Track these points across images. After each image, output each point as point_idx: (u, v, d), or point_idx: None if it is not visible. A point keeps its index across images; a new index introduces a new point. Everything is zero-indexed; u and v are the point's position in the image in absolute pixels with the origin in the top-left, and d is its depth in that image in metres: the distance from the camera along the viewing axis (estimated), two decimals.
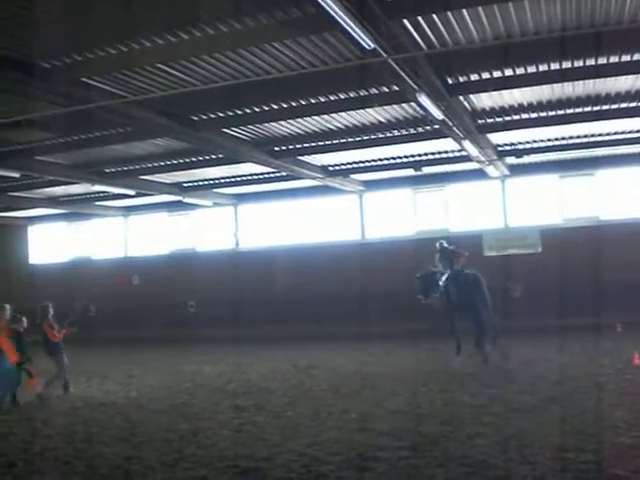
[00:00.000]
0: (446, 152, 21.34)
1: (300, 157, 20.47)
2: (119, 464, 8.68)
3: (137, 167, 20.98)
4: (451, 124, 15.40)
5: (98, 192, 25.66)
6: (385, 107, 15.52)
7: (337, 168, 23.01)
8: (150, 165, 20.77)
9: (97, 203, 28.45)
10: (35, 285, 30.47)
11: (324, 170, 22.70)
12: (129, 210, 30.64)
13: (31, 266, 33.38)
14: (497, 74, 13.41)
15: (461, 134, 16.45)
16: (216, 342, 23.39)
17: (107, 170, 21.28)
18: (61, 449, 9.64)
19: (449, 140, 17.87)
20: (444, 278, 16.36)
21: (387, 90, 14.06)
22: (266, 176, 23.98)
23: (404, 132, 17.93)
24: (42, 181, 22.46)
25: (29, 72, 11.04)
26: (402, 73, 11.30)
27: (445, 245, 17.02)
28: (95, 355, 17.87)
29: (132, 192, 24.21)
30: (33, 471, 8.66)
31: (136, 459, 8.89)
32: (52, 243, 33.45)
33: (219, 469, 8.22)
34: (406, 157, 21.92)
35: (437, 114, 14.15)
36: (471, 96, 15.16)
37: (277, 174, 23.19)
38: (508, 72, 13.33)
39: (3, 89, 11.73)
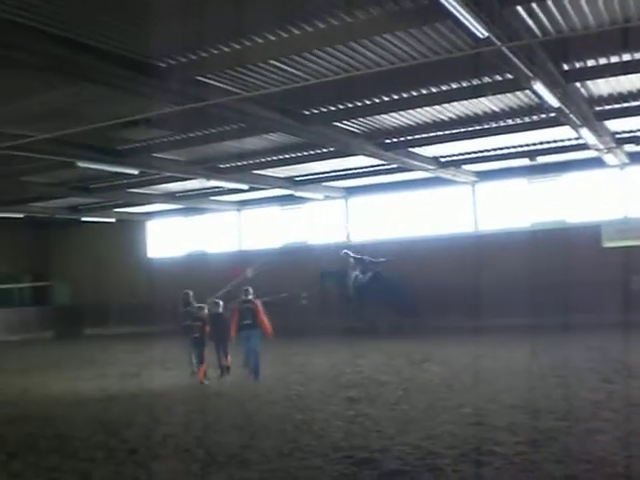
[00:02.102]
0: (562, 140, 20.75)
1: (411, 149, 20.34)
2: (236, 452, 8.89)
3: (250, 162, 21.35)
4: (567, 111, 14.95)
5: (213, 187, 26.29)
6: (499, 96, 15.21)
7: (449, 159, 22.75)
8: (263, 160, 21.09)
9: (212, 198, 29.16)
10: (153, 278, 31.59)
11: (436, 161, 22.49)
12: (242, 204, 31.24)
13: (149, 260, 34.52)
14: (615, 59, 12.93)
15: (578, 121, 15.96)
16: (328, 333, 23.55)
17: (221, 165, 21.76)
18: (181, 437, 9.96)
19: (565, 128, 17.38)
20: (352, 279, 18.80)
21: (501, 78, 13.78)
22: (377, 168, 23.95)
23: (518, 121, 17.53)
24: (159, 177, 23.17)
25: (146, 72, 11.40)
26: (516, 61, 11.04)
27: (349, 253, 19.84)
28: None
29: (245, 187, 24.66)
30: (154, 457, 8.97)
31: (252, 448, 9.09)
32: (169, 237, 34.50)
33: (334, 459, 8.28)
34: (520, 146, 21.45)
35: (553, 102, 13.77)
36: (588, 82, 14.68)
37: (388, 166, 23.12)
38: (626, 57, 12.84)
39: (122, 89, 12.14)
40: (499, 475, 7.39)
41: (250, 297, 15.49)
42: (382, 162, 21.86)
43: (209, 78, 12.40)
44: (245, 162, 21.34)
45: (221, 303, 16.21)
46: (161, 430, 10.47)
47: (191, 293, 16.92)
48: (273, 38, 10.79)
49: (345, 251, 20.66)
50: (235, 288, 18.02)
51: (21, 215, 30.31)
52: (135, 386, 15.18)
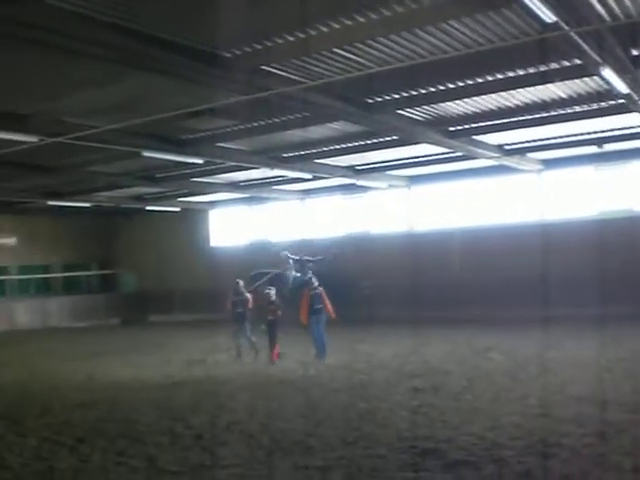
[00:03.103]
0: (630, 128, 20.23)
1: (475, 136, 20.07)
2: (300, 439, 8.94)
3: (313, 151, 21.37)
4: (636, 98, 14.58)
5: (276, 176, 26.40)
6: (566, 82, 14.88)
7: (514, 147, 22.38)
8: (326, 149, 21.09)
9: (275, 187, 29.29)
10: (216, 267, 31.90)
11: (500, 149, 22.17)
12: (305, 193, 31.31)
13: (212, 248, 34.89)
14: None
15: None
16: (391, 323, 23.50)
17: (285, 155, 21.82)
18: (245, 423, 10.05)
19: (634, 115, 16.94)
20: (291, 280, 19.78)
21: (568, 64, 13.48)
22: (441, 157, 23.71)
23: (586, 108, 17.14)
24: (223, 167, 23.35)
25: (212, 62, 11.48)
26: (585, 46, 10.80)
27: (288, 254, 20.93)
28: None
29: (308, 176, 24.70)
30: (220, 443, 9.08)
31: (316, 435, 9.13)
32: (231, 226, 34.81)
33: (398, 449, 8.26)
34: (588, 134, 20.97)
35: (621, 88, 13.44)
36: None
37: (452, 154, 22.90)
38: None
39: (188, 79, 12.25)
40: (565, 467, 7.27)
41: (316, 284, 16.80)
42: (446, 150, 21.64)
43: (274, 67, 12.42)
44: (308, 151, 21.36)
45: (273, 291, 17.17)
46: (226, 416, 10.61)
47: (241, 283, 17.91)
48: (337, 26, 10.74)
49: (284, 252, 22.49)
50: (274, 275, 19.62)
51: (89, 204, 30.93)
52: (200, 373, 15.40)
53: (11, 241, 33.41)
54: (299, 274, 20.24)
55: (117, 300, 35.38)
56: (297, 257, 21.73)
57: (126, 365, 17.19)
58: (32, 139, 15.86)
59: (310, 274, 18.42)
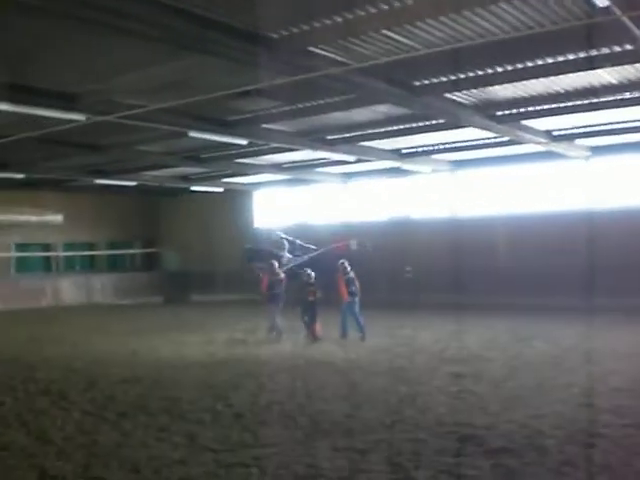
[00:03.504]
0: None
1: (522, 121, 19.80)
2: (339, 421, 8.98)
3: (357, 134, 21.30)
4: None
5: (320, 159, 26.39)
6: (617, 68, 14.60)
7: (562, 133, 22.05)
8: (370, 131, 21.00)
9: (318, 169, 29.28)
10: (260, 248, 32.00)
11: (548, 135, 21.83)
12: (348, 176, 31.24)
13: (255, 229, 35.02)
14: None
15: None
16: (433, 308, 23.42)
17: (329, 137, 21.79)
18: (285, 403, 10.12)
19: None
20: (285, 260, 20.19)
21: (619, 50, 13.21)
22: (487, 141, 23.47)
23: (637, 94, 16.81)
24: (267, 148, 23.40)
25: (259, 43, 11.46)
26: (637, 31, 10.57)
27: (282, 235, 21.71)
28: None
29: (352, 158, 24.63)
30: (260, 422, 9.15)
31: (356, 417, 9.17)
32: (274, 208, 34.90)
33: (438, 434, 8.26)
34: (638, 121, 20.58)
35: None
36: None
37: (498, 139, 22.65)
38: None
39: (234, 60, 12.26)
40: (606, 457, 7.21)
41: (349, 269, 17.44)
42: (492, 135, 21.40)
43: (320, 49, 12.36)
44: (352, 134, 21.28)
45: (313, 274, 17.53)
46: (266, 396, 10.71)
47: (276, 264, 18.19)
48: (386, 7, 10.63)
49: (278, 233, 23.41)
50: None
51: (134, 183, 31.28)
52: (240, 352, 15.52)
53: (58, 218, 33.91)
54: (291, 255, 21.45)
55: (160, 278, 35.74)
56: (291, 239, 22.51)
57: (168, 343, 17.40)
58: (81, 118, 16.04)
59: (301, 258, 20.60)
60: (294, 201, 34.17)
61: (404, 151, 25.07)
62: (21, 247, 34.24)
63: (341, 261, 17.72)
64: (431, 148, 24.81)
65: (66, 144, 21.89)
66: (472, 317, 20.71)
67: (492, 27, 11.73)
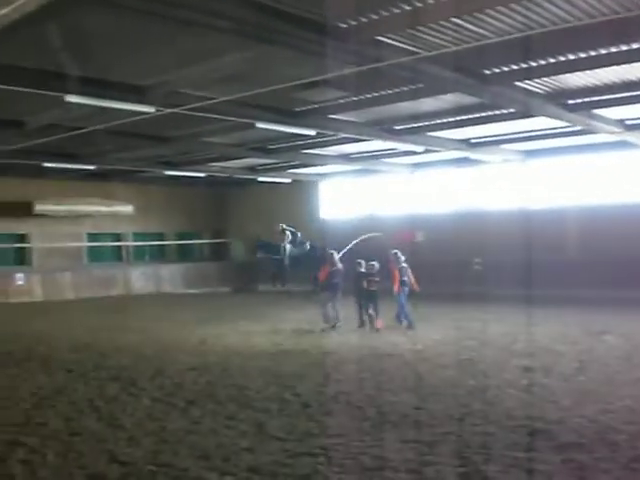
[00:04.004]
0: None
1: (595, 110, 19.33)
2: (407, 413, 8.91)
3: (426, 123, 21.10)
4: None
5: (387, 149, 26.25)
6: None
7: (636, 122, 21.45)
8: (438, 121, 20.78)
9: (385, 160, 29.14)
10: (325, 238, 32.01)
11: (621, 124, 21.27)
12: (416, 167, 31.00)
13: (322, 220, 35.07)
14: None
15: None
16: (501, 301, 23.08)
17: (396, 127, 21.65)
18: (352, 394, 10.09)
19: None
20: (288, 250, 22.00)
21: None
22: (558, 131, 22.98)
23: None
24: (334, 139, 23.38)
25: (327, 33, 11.42)
26: None
27: (285, 227, 22.59)
28: (380, 307, 18.43)
29: (420, 148, 24.43)
30: (327, 412, 9.15)
31: (423, 409, 9.09)
32: (341, 199, 34.88)
33: (507, 427, 8.13)
34: None
35: None
36: None
37: (570, 128, 22.16)
38: None
39: (302, 50, 12.24)
40: None
41: (403, 259, 17.74)
42: (563, 124, 20.95)
43: (388, 38, 12.25)
44: (420, 123, 21.10)
45: (376, 264, 17.56)
46: (333, 386, 10.69)
47: (335, 254, 18.16)
48: None
49: (281, 225, 24.21)
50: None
51: (203, 174, 31.64)
52: (307, 342, 15.55)
53: (128, 209, 34.56)
54: (292, 246, 22.75)
55: (228, 268, 36.13)
56: (293, 230, 23.47)
57: (236, 332, 17.56)
58: (150, 110, 16.27)
59: (304, 248, 22.45)
60: (361, 192, 34.07)
61: (473, 141, 24.74)
62: (93, 237, 35.01)
63: (394, 251, 17.87)
64: (501, 138, 24.41)
65: (136, 136, 22.28)
66: (542, 310, 20.32)
67: (564, 14, 11.44)
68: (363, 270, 17.57)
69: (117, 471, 6.99)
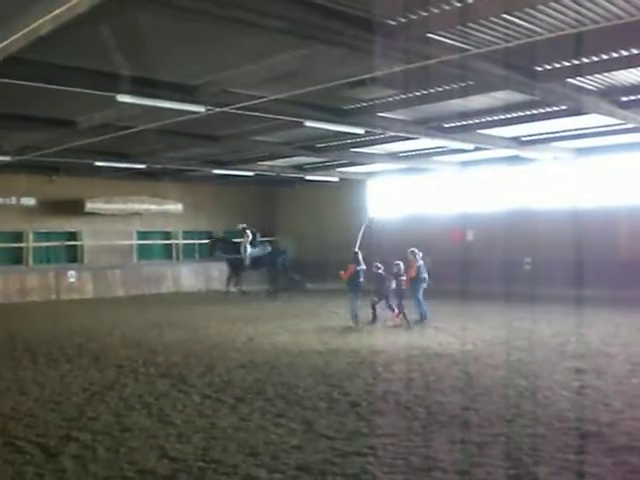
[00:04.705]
0: None
1: None
2: (457, 414, 8.86)
3: (475, 121, 20.88)
4: None
5: (436, 147, 26.05)
6: None
7: None
8: (488, 119, 20.55)
9: (434, 158, 28.94)
10: (373, 237, 31.92)
11: None
12: (465, 165, 30.72)
13: (369, 219, 34.90)
14: None
15: None
16: (552, 301, 22.76)
17: (446, 125, 21.47)
18: (401, 394, 10.05)
19: None
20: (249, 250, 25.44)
21: None
22: (611, 128, 22.56)
23: None
24: (383, 137, 23.29)
25: (376, 30, 11.37)
26: None
27: (245, 226, 26.09)
28: (430, 306, 18.34)
29: (470, 147, 24.21)
30: (375, 412, 9.13)
31: (473, 410, 9.02)
32: (389, 197, 34.72)
33: (559, 429, 8.03)
34: None
35: None
36: None
37: (623, 126, 21.73)
38: None
39: (351, 48, 12.21)
40: None
41: (420, 255, 18.46)
42: (617, 121, 20.55)
43: (438, 35, 12.16)
44: (470, 121, 20.88)
45: (402, 265, 18.23)
46: (382, 385, 10.68)
47: (360, 253, 18.67)
48: None
49: (242, 225, 26.90)
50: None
51: (251, 173, 31.77)
52: (355, 341, 15.54)
53: (178, 207, 34.90)
54: (251, 246, 24.61)
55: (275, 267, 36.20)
56: (253, 230, 25.46)
57: (283, 330, 17.61)
58: (200, 109, 16.40)
59: (263, 247, 24.53)
60: (409, 191, 33.89)
61: (524, 139, 24.41)
62: (143, 235, 35.41)
63: (411, 249, 18.46)
64: (552, 135, 24.05)
65: (185, 135, 22.47)
66: (593, 311, 20.02)
67: (617, 10, 11.22)
68: (381, 272, 18.45)
69: (167, 467, 7.06)
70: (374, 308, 18.37)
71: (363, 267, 18.48)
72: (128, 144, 23.88)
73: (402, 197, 34.06)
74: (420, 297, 18.13)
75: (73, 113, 18.97)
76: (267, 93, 15.72)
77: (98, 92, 14.83)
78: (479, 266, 27.52)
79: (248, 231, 26.28)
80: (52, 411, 9.62)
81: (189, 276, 34.08)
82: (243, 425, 8.61)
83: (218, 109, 16.69)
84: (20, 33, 10.87)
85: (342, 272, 18.70)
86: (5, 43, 11.38)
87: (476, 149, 24.98)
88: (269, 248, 27.52)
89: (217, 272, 34.68)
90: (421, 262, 18.33)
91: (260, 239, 26.54)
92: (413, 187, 33.60)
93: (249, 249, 25.79)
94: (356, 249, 18.96)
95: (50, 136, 21.52)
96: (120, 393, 10.72)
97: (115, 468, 7.08)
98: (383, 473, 6.72)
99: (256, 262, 27.08)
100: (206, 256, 36.86)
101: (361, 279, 18.34)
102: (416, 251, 18.35)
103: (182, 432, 8.36)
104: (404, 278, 18.02)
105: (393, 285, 18.02)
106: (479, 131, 22.30)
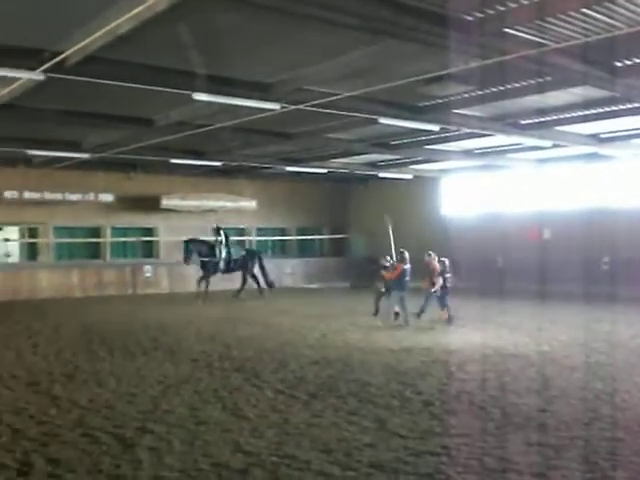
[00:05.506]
0: None
1: None
2: (532, 416, 8.70)
3: (553, 118, 20.47)
4: None
5: (512, 144, 25.65)
6: None
7: None
8: (566, 115, 20.11)
9: (510, 155, 28.47)
10: (447, 235, 31.69)
11: None
12: (542, 162, 30.13)
13: (443, 217, 34.64)
14: None
15: None
16: (631, 302, 22.19)
17: (522, 121, 21.12)
18: (475, 394, 9.93)
19: None
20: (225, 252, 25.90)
21: None
22: None
23: None
24: (458, 134, 23.03)
25: (452, 26, 11.24)
26: None
27: (218, 226, 26.33)
28: (504, 306, 18.12)
29: (547, 144, 23.75)
30: (449, 411, 9.04)
31: (549, 412, 8.85)
32: (463, 195, 34.33)
33: (637, 433, 7.84)
34: None
35: None
36: None
37: None
38: None
39: (426, 44, 12.11)
40: None
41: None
42: None
43: (515, 30, 11.95)
44: (547, 118, 20.48)
45: (448, 261, 18.67)
46: (455, 385, 10.56)
47: (407, 253, 18.60)
48: None
49: (216, 225, 26.69)
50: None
51: (324, 170, 31.85)
52: (428, 340, 15.41)
53: (252, 204, 35.24)
54: (227, 248, 25.18)
55: (347, 264, 36.25)
56: (226, 232, 25.74)
57: (356, 327, 17.61)
58: (275, 107, 16.51)
59: (238, 251, 25.68)
60: (484, 188, 33.44)
61: (603, 136, 23.84)
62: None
63: (428, 252, 19.05)
64: (632, 132, 23.41)
65: (260, 133, 22.67)
66: None
67: None
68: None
69: (241, 461, 7.12)
70: (380, 300, 19.04)
71: (409, 266, 18.45)
72: (204, 142, 24.22)
73: (477, 195, 33.62)
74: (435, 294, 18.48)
75: (150, 111, 19.35)
76: (341, 90, 15.74)
77: (175, 90, 15.08)
78: (556, 265, 26.97)
79: (222, 232, 26.33)
80: (128, 403, 9.81)
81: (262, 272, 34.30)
82: (316, 421, 8.63)
83: (293, 106, 16.78)
84: (99, 33, 11.14)
85: (386, 273, 18.70)
86: (84, 43, 11.68)
87: (553, 146, 24.49)
88: (242, 252, 27.38)
89: (289, 268, 34.92)
90: (446, 260, 18.59)
91: (232, 241, 26.80)
92: (488, 185, 33.12)
93: (224, 252, 25.91)
94: (401, 249, 19.03)
95: (128, 134, 22.01)
96: (195, 387, 10.87)
97: (190, 461, 7.18)
98: (457, 473, 6.65)
99: (230, 265, 26.74)
100: (279, 252, 37.25)
101: (407, 278, 18.32)
102: (432, 254, 18.87)
103: (256, 427, 8.42)
104: (449, 275, 18.26)
105: (440, 282, 18.15)
106: (557, 128, 21.85)
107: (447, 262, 18.40)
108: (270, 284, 28.02)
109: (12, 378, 11.67)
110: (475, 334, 16.11)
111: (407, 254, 18.50)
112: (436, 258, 18.66)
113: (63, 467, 7.01)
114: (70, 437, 8.08)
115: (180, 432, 8.25)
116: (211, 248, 26.24)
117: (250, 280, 27.59)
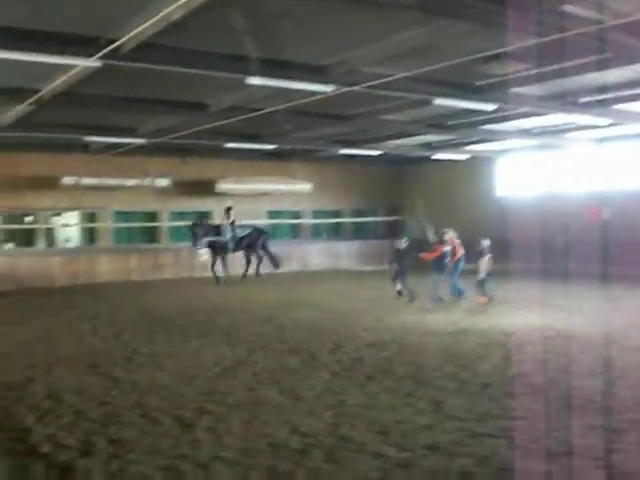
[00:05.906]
0: None
1: None
2: (593, 398, 8.57)
3: (612, 96, 19.98)
4: None
5: (570, 123, 25.15)
6: None
7: None
8: (627, 93, 19.63)
9: (568, 134, 27.93)
10: (503, 217, 31.25)
11: None
12: (601, 141, 29.49)
13: (499, 198, 34.18)
14: None
15: None
16: None
17: (581, 100, 20.67)
18: (534, 376, 9.80)
19: None
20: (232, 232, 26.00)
21: None
22: None
23: None
24: (515, 113, 22.66)
25: (507, 4, 11.03)
26: None
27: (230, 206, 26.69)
28: (564, 288, 17.84)
29: (605, 122, 23.23)
30: (507, 394, 8.95)
31: (610, 395, 8.70)
32: (520, 175, 33.82)
33: None
34: None
35: None
36: None
37: None
38: None
39: (482, 22, 11.91)
40: None
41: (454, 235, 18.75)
42: None
43: (575, 6, 11.68)
44: (607, 96, 20.00)
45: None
46: (514, 367, 10.43)
47: (450, 232, 18.70)
48: None
49: (228, 205, 26.91)
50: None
51: (379, 152, 31.70)
52: (484, 321, 15.26)
53: (307, 187, 35.27)
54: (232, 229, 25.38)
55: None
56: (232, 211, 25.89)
57: (411, 309, 17.52)
58: (329, 89, 16.45)
59: (246, 230, 25.92)
60: (541, 168, 32.87)
61: None
62: (273, 214, 36.02)
63: (444, 230, 18.91)
64: None
65: (313, 115, 22.60)
66: None
67: None
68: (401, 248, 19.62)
69: (299, 442, 7.17)
70: (399, 281, 19.28)
71: (449, 248, 18.37)
72: (258, 125, 24.28)
73: (535, 175, 33.07)
74: (455, 277, 18.49)
75: (204, 96, 19.46)
76: (395, 71, 15.59)
77: (228, 75, 15.13)
78: (616, 246, 26.39)
79: (231, 212, 26.29)
80: (186, 384, 9.94)
81: (317, 255, 34.40)
82: (372, 403, 8.63)
83: (347, 88, 16.69)
84: (152, 20, 11.21)
85: (425, 254, 18.68)
86: (138, 30, 11.78)
87: (612, 124, 23.94)
88: (248, 230, 27.24)
89: (344, 251, 34.91)
90: (448, 248, 18.39)
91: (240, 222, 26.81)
92: (546, 165, 32.54)
93: (230, 231, 25.86)
94: (444, 229, 19.01)
95: (182, 119, 22.18)
96: (251, 368, 10.95)
97: (248, 441, 7.24)
98: (515, 456, 6.58)
99: (239, 244, 26.76)
100: (333, 235, 37.24)
101: (447, 260, 18.31)
102: (449, 231, 18.75)
103: (312, 408, 8.46)
104: (488, 256, 17.90)
105: (485, 265, 17.89)
106: (617, 106, 21.35)
107: (485, 243, 18.04)
108: (275, 264, 28.18)
109: (73, 361, 11.91)
110: (534, 316, 15.89)
111: (450, 234, 18.57)
112: (454, 236, 18.63)
113: (124, 448, 7.13)
114: (130, 418, 8.23)
115: (238, 413, 8.33)
116: (216, 229, 26.41)
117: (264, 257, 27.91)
